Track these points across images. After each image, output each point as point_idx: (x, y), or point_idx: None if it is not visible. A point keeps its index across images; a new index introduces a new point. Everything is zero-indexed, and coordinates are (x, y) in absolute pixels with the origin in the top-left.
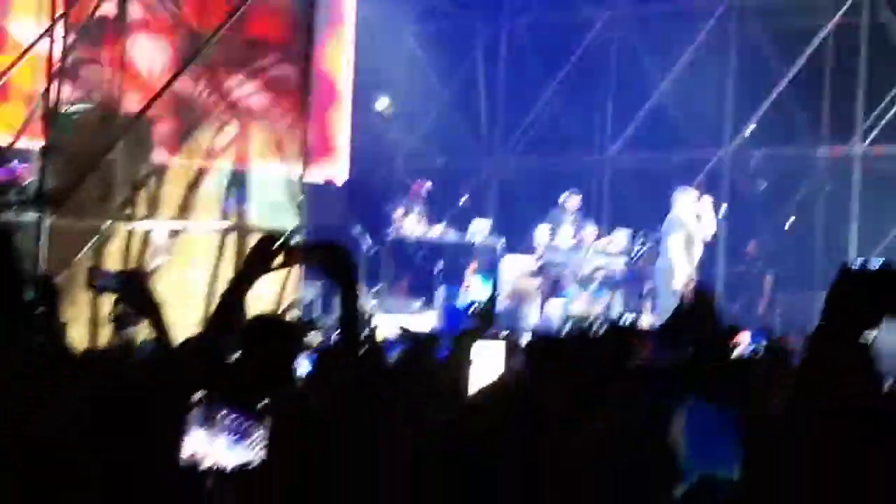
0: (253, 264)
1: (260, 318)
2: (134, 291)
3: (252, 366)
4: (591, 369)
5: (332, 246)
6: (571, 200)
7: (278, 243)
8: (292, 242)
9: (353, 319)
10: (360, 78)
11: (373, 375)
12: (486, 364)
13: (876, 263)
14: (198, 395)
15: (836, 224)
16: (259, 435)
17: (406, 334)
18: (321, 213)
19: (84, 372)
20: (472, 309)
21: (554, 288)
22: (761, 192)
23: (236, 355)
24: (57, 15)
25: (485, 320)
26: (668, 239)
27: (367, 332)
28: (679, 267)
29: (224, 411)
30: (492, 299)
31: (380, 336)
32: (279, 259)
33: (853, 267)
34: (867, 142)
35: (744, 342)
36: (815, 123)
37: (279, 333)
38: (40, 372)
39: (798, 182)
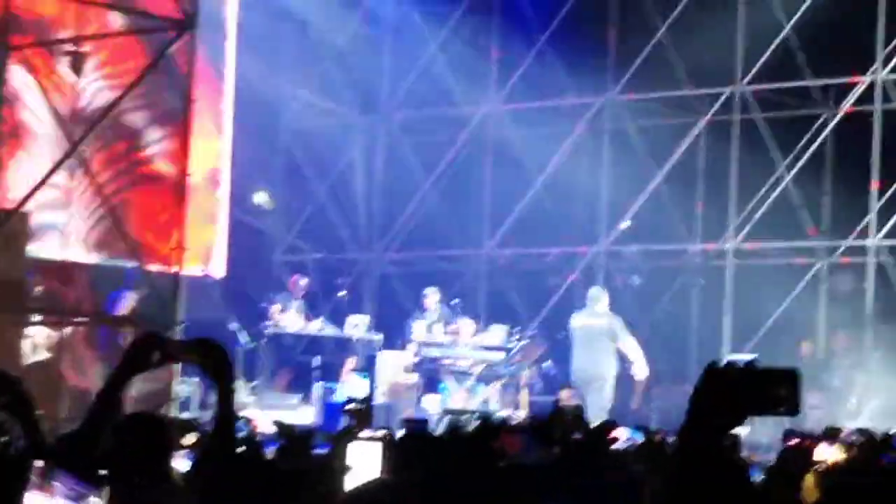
0: (131, 361)
1: (135, 416)
2: (3, 392)
3: (124, 462)
4: (461, 467)
5: (210, 343)
6: (430, 297)
7: (156, 340)
8: (170, 339)
9: (229, 417)
10: (237, 172)
11: (251, 473)
12: (363, 462)
13: (742, 361)
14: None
15: (710, 317)
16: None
17: (282, 430)
18: (198, 307)
19: None
20: (349, 406)
21: (431, 383)
22: (636, 287)
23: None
24: None
25: (361, 418)
26: (620, 342)
27: (244, 429)
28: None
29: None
30: (368, 397)
31: (257, 431)
32: (157, 356)
33: (718, 365)
34: (739, 237)
35: (621, 437)
36: (689, 219)
37: (154, 431)
38: None
39: (673, 277)
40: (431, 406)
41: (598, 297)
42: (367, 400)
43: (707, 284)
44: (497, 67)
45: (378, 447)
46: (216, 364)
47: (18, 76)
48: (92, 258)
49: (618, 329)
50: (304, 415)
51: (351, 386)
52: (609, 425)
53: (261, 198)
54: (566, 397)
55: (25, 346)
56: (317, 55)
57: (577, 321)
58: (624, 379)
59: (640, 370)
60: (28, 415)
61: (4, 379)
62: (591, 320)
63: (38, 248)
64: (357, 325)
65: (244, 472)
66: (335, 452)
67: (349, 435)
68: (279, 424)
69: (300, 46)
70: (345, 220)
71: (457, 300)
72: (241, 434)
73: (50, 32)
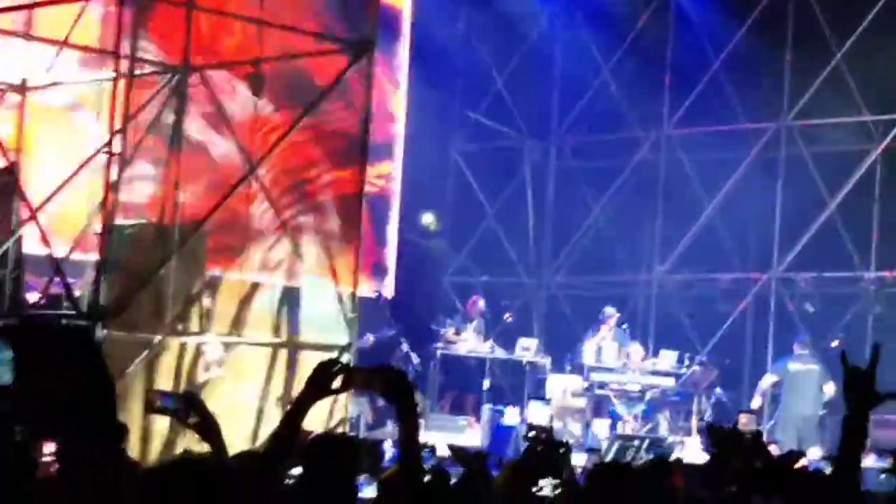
0: (314, 387)
1: (324, 437)
2: (191, 413)
3: (315, 484)
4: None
5: (392, 371)
6: (611, 317)
7: (338, 367)
8: (351, 366)
9: (415, 447)
10: (408, 193)
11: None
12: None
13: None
14: None
15: (886, 345)
16: None
17: (456, 454)
18: (370, 327)
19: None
20: (531, 433)
21: (600, 407)
22: (810, 314)
23: (296, 473)
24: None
25: (544, 450)
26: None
27: (430, 458)
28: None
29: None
30: (550, 426)
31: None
32: (339, 382)
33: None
34: None
35: (810, 458)
36: (864, 246)
37: (343, 453)
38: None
39: (847, 304)
40: (601, 431)
41: (808, 345)
42: (550, 428)
43: (882, 312)
44: (669, 92)
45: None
46: (399, 392)
47: (200, 97)
48: (268, 279)
49: (824, 373)
50: (472, 437)
51: (531, 411)
52: (797, 454)
53: (427, 219)
54: (744, 422)
55: (200, 364)
56: (488, 78)
57: (793, 367)
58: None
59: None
60: (213, 433)
61: (193, 400)
62: (808, 366)
63: (215, 269)
64: (528, 349)
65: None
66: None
67: (527, 472)
68: (453, 448)
69: (471, 69)
70: (513, 242)
71: (625, 325)
72: (427, 463)
73: (231, 55)
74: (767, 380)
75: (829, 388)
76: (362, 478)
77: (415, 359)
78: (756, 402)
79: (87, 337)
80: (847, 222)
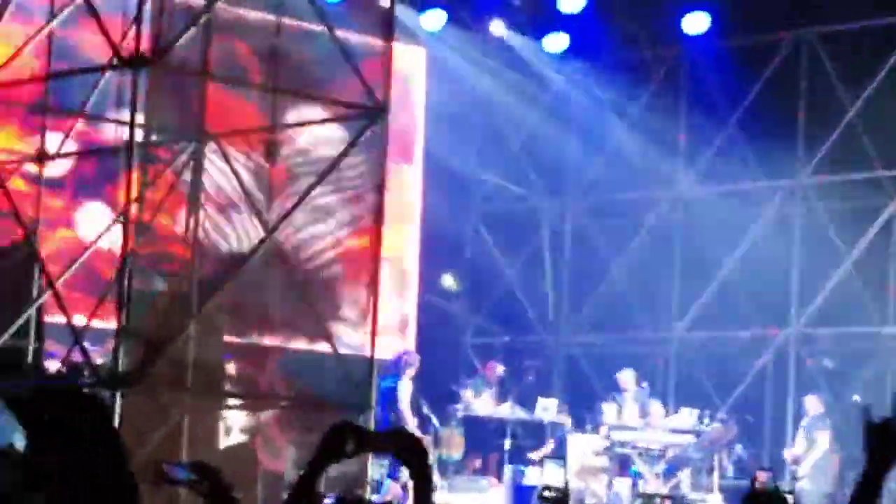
0: (327, 450)
1: (344, 500)
2: (204, 482)
3: None
4: None
5: (406, 434)
6: (626, 377)
7: (352, 429)
8: (366, 429)
9: None
10: (426, 254)
11: None
12: None
13: None
14: None
15: None
16: None
17: None
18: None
19: None
20: (546, 494)
21: (622, 466)
22: (829, 370)
23: None
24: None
25: None
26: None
27: None
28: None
29: None
30: (566, 487)
31: None
32: (352, 445)
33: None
34: None
35: None
36: (882, 302)
37: None
38: None
39: (866, 360)
40: (623, 490)
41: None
42: (566, 490)
43: None
44: (685, 151)
45: None
46: (413, 456)
47: (216, 164)
48: (285, 342)
49: None
50: (495, 498)
51: (546, 472)
52: None
53: (447, 280)
54: (763, 479)
55: (221, 430)
56: (505, 137)
57: None
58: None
59: None
60: (223, 497)
61: (204, 469)
62: None
63: (234, 332)
64: (547, 409)
65: None
66: None
67: None
68: None
69: (488, 129)
70: (533, 302)
71: (645, 383)
72: None
73: (246, 122)
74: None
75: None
76: None
77: (435, 421)
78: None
79: (99, 405)
80: (865, 278)
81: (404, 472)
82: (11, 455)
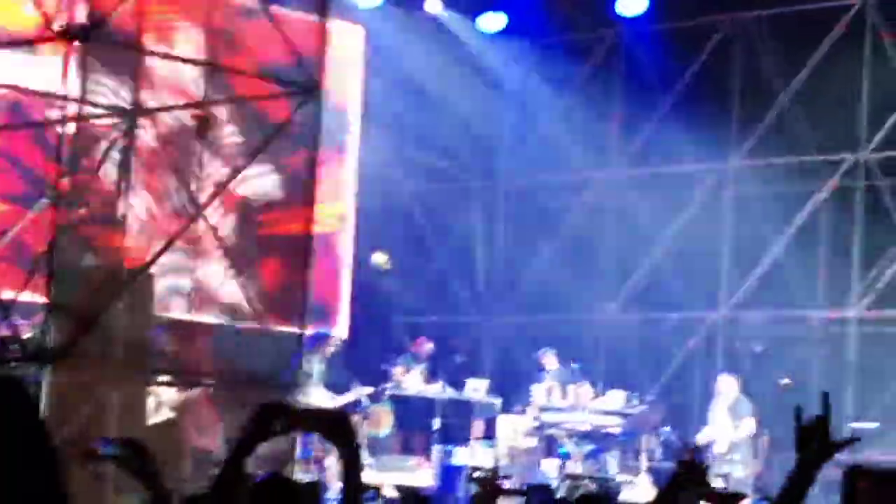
0: (256, 429)
1: (272, 480)
2: (131, 457)
3: None
4: None
5: (334, 413)
6: (547, 357)
7: (280, 408)
8: (294, 407)
9: (357, 490)
10: (359, 235)
11: None
12: None
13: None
14: None
15: (832, 386)
16: None
17: (405, 494)
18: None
19: None
20: (475, 474)
21: (550, 447)
22: (757, 354)
23: None
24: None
25: (488, 487)
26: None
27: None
28: None
29: None
30: (496, 468)
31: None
32: (281, 424)
33: None
34: (863, 305)
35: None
36: (812, 286)
37: (287, 496)
38: None
39: (794, 344)
40: (550, 470)
41: None
42: (495, 470)
43: (830, 352)
44: (619, 133)
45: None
46: (342, 435)
47: (146, 139)
48: (217, 319)
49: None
50: (422, 477)
51: (475, 453)
52: (736, 496)
53: (378, 258)
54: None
55: (149, 406)
56: (438, 120)
57: None
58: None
59: None
60: (150, 473)
61: (132, 444)
62: None
63: (163, 309)
64: (477, 389)
65: None
66: None
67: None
68: (401, 489)
69: (421, 112)
70: (464, 282)
71: (576, 364)
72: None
73: (180, 97)
74: None
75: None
76: None
77: (364, 401)
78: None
79: (18, 386)
80: (795, 262)
81: (317, 450)
82: None
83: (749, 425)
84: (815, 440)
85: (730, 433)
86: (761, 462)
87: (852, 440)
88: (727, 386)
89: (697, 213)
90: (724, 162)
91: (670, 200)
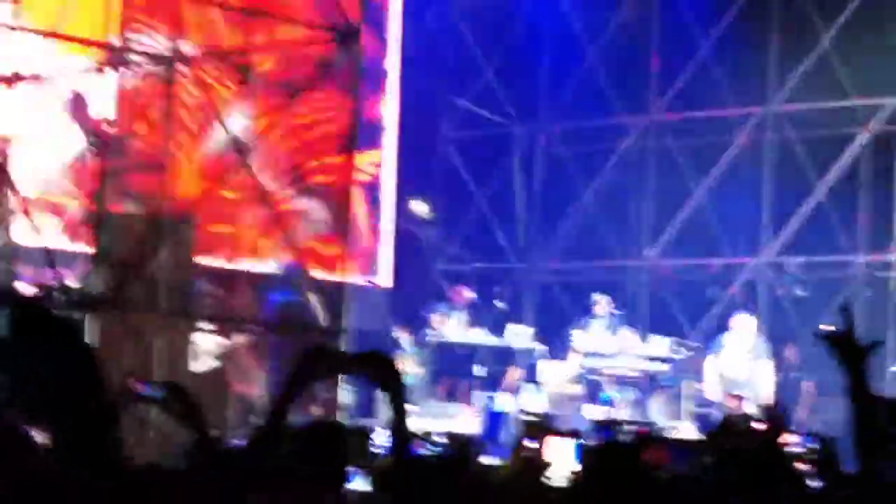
0: (300, 373)
1: (312, 425)
2: (174, 401)
3: (307, 468)
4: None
5: (379, 356)
6: (600, 304)
7: (324, 352)
8: (339, 351)
9: (404, 433)
10: (399, 182)
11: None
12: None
13: None
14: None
15: (875, 330)
16: None
17: (455, 441)
18: (361, 316)
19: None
20: (525, 418)
21: (593, 393)
22: (799, 299)
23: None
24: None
25: (538, 431)
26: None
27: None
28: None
29: None
30: (546, 413)
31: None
32: (325, 368)
33: None
34: None
35: (793, 441)
36: (853, 231)
37: (334, 440)
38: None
39: (836, 288)
40: (593, 416)
41: None
42: (545, 414)
43: (872, 296)
44: (657, 77)
45: (572, 444)
46: (387, 378)
47: (188, 87)
48: (258, 267)
49: None
50: (466, 423)
51: (523, 396)
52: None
53: (418, 207)
54: (734, 406)
55: (192, 353)
56: (476, 64)
57: None
58: (788, 390)
59: None
60: (194, 417)
61: (174, 388)
62: None
63: (206, 257)
64: (518, 335)
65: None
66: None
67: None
68: (451, 436)
69: (459, 56)
70: (504, 229)
71: (617, 311)
72: (438, 449)
73: (218, 44)
74: None
75: None
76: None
77: (408, 346)
78: None
79: (74, 327)
80: (836, 207)
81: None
82: None
83: (767, 368)
84: (845, 350)
85: (743, 371)
86: (800, 408)
87: (877, 343)
88: (742, 324)
89: (738, 158)
90: (765, 106)
91: (711, 145)
